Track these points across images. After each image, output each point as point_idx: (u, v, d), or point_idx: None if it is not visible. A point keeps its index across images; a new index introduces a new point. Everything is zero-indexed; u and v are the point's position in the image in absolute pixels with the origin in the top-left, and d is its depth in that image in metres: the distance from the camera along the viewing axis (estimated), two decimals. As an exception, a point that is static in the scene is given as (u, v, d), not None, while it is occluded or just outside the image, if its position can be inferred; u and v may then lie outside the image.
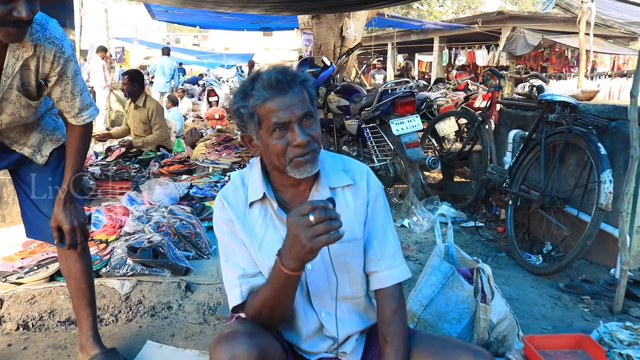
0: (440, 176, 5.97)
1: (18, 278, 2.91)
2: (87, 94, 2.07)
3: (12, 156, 2.14)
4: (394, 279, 1.57)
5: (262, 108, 1.41)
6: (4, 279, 2.92)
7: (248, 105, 1.43)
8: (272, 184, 1.55)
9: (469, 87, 8.71)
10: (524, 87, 5.17)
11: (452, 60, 17.72)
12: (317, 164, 1.48)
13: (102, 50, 11.39)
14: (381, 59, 17.88)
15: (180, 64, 22.69)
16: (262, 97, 1.40)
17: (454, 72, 15.77)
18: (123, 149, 5.88)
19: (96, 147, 7.12)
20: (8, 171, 2.24)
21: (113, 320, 2.69)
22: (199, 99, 15.85)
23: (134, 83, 6.12)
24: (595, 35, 7.98)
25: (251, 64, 18.07)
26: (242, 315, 1.54)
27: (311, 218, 1.25)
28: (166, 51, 13.79)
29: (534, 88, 4.28)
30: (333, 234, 1.25)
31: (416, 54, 22.77)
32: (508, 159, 4.42)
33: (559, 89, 4.93)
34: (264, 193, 1.51)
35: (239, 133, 9.53)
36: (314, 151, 1.45)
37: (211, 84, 15.16)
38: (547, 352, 2.06)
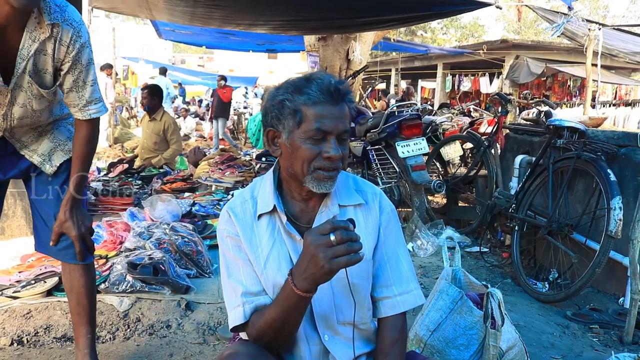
0: (444, 201, 5.92)
1: (14, 292, 2.84)
2: (98, 88, 2.02)
3: (21, 164, 2.09)
4: (407, 304, 1.52)
5: (310, 109, 1.36)
6: (0, 293, 2.86)
7: (296, 101, 1.37)
8: (283, 196, 1.50)
9: (471, 113, 8.74)
10: (529, 114, 5.17)
11: (456, 87, 17.80)
12: (335, 183, 1.44)
13: (108, 67, 11.45)
14: (384, 83, 17.98)
15: (180, 83, 22.84)
16: (316, 98, 1.36)
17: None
18: (126, 165, 5.86)
19: (98, 163, 7.11)
20: (23, 182, 2.19)
21: (110, 338, 2.62)
22: (202, 119, 15.92)
23: (154, 97, 6.36)
24: (602, 65, 8.00)
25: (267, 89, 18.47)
26: (243, 335, 1.48)
27: (332, 238, 1.20)
28: (163, 70, 13.98)
29: (542, 113, 4.26)
30: (353, 256, 1.20)
31: (419, 80, 22.89)
32: (514, 184, 4.39)
33: (566, 116, 4.91)
34: (274, 205, 1.46)
35: (250, 152, 9.50)
36: (337, 170, 1.42)
37: (215, 104, 15.19)
38: (559, 382, 1.99)
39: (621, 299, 3.31)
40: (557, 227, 3.53)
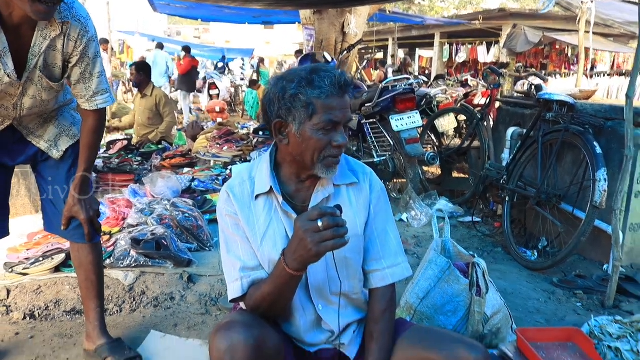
0: (439, 171, 6.03)
1: (24, 269, 2.97)
2: (105, 80, 2.11)
3: (29, 150, 2.19)
4: (396, 276, 1.64)
5: (323, 102, 1.45)
6: (10, 270, 2.99)
7: (309, 95, 1.45)
8: (279, 177, 1.60)
9: (469, 82, 8.82)
10: (524, 85, 5.24)
11: (453, 56, 17.75)
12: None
13: (104, 42, 11.42)
14: (382, 52, 17.89)
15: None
16: (328, 92, 1.44)
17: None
18: (125, 142, 5.94)
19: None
20: (31, 168, 2.29)
21: (117, 311, 2.76)
22: (200, 92, 15.90)
23: (141, 73, 6.43)
24: (595, 33, 8.01)
25: (261, 60, 18.44)
26: (242, 305, 1.60)
27: (320, 224, 1.31)
28: (160, 45, 13.95)
29: (533, 87, 4.33)
30: (339, 240, 1.31)
31: (417, 49, 22.78)
32: (506, 156, 4.47)
33: (558, 88, 4.99)
34: (271, 187, 1.56)
35: (248, 125, 9.54)
36: (341, 155, 1.53)
37: (212, 77, 15.18)
38: (538, 345, 2.13)
39: (605, 266, 3.44)
40: (546, 197, 3.65)
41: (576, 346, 2.15)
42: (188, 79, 11.86)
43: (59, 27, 1.87)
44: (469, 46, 17.04)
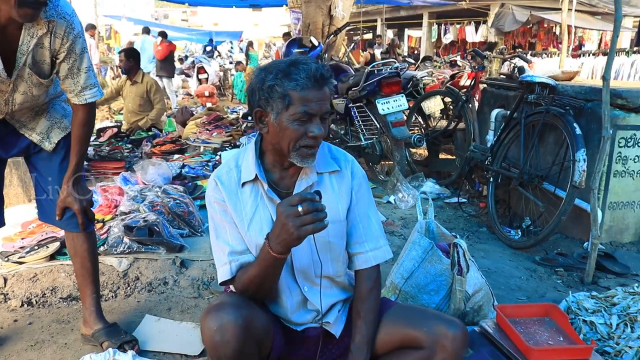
0: (426, 153, 6.11)
1: (20, 257, 3.03)
2: (93, 74, 2.16)
3: (22, 142, 2.24)
4: (378, 259, 1.74)
5: (298, 93, 1.50)
6: (6, 259, 3.04)
7: (285, 86, 1.51)
8: (264, 164, 1.68)
9: (458, 63, 8.90)
10: (510, 66, 5.31)
11: (442, 37, 17.75)
12: (316, 157, 1.62)
13: (91, 28, 11.36)
14: (370, 33, 17.83)
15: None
16: (304, 84, 1.50)
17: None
18: (115, 130, 5.97)
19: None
20: (24, 160, 2.35)
21: (112, 296, 2.84)
22: (188, 76, 15.84)
23: (131, 59, 6.41)
24: (582, 11, 8.06)
25: (250, 43, 18.39)
26: (232, 287, 1.69)
27: (300, 209, 1.39)
28: (146, 30, 13.85)
29: (516, 68, 4.40)
30: (318, 224, 1.40)
31: (406, 30, 22.75)
32: (490, 137, 4.56)
33: (542, 69, 5.06)
34: (256, 174, 1.64)
35: (237, 109, 9.55)
36: (318, 146, 1.60)
37: (200, 61, 15.12)
38: (517, 320, 2.23)
39: (585, 244, 3.54)
40: (528, 178, 3.74)
41: (552, 321, 2.25)
42: (167, 65, 11.76)
43: (45, 25, 1.92)
44: (457, 26, 17.03)
